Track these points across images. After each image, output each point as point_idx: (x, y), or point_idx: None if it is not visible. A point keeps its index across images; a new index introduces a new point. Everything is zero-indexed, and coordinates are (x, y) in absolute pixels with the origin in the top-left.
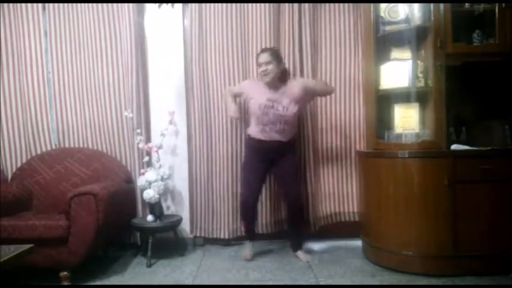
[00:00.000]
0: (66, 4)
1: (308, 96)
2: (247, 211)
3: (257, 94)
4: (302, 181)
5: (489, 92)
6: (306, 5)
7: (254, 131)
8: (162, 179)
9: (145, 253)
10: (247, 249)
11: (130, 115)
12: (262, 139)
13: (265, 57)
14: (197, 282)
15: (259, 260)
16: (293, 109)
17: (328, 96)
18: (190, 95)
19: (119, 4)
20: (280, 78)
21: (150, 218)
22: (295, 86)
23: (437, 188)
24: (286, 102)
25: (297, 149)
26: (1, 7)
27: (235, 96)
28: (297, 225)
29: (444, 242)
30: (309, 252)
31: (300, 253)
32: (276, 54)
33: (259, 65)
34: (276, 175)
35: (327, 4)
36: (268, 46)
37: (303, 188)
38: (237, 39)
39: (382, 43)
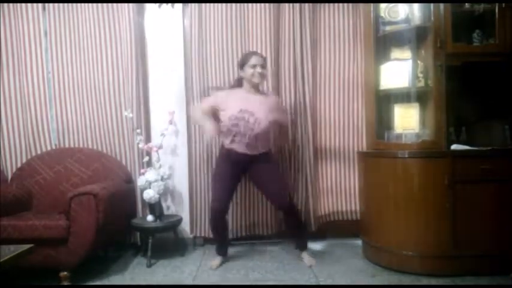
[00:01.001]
0: (66, 4)
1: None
2: (216, 222)
3: (231, 104)
4: (301, 181)
5: (489, 92)
6: (306, 5)
7: (224, 140)
8: (162, 179)
9: (145, 253)
10: (216, 261)
11: (130, 115)
12: (237, 152)
13: (260, 60)
14: (197, 282)
15: (259, 260)
16: (265, 123)
17: (326, 93)
18: (190, 95)
19: (119, 4)
20: (257, 88)
21: (150, 218)
22: (272, 99)
23: (437, 188)
24: (260, 114)
25: (275, 159)
26: (1, 7)
27: (207, 112)
28: (294, 226)
29: (444, 242)
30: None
31: (304, 255)
32: (266, 61)
33: (252, 66)
34: (254, 183)
35: (327, 4)
36: (256, 50)
37: (302, 188)
38: (237, 39)
39: (382, 43)
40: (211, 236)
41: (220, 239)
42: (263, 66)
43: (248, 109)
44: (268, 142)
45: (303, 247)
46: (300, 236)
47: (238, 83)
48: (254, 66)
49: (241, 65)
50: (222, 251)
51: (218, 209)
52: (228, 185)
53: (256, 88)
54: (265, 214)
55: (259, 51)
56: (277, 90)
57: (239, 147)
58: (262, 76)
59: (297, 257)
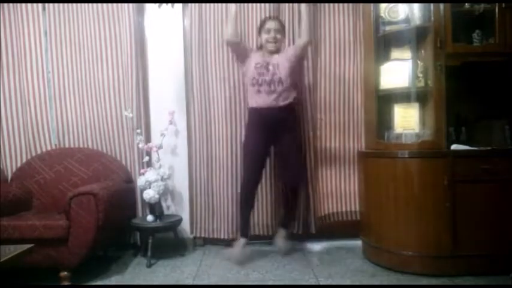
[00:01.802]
0: (66, 4)
1: (299, 58)
2: (247, 196)
3: (254, 57)
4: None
5: (489, 92)
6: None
7: (251, 97)
8: (162, 179)
9: (145, 253)
10: (238, 247)
11: (130, 115)
12: (258, 106)
13: (275, 24)
14: (197, 282)
15: (260, 260)
16: (286, 68)
17: (326, 93)
18: (190, 95)
19: (119, 4)
20: (277, 51)
21: (150, 218)
22: (288, 49)
23: (437, 188)
24: (281, 62)
25: (299, 121)
26: (1, 7)
27: (238, 43)
28: (293, 204)
29: (444, 242)
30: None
31: (281, 233)
32: (283, 25)
33: (267, 30)
34: (276, 154)
35: (327, 4)
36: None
37: (303, 188)
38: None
39: (382, 43)
40: (211, 236)
41: (247, 217)
42: (278, 30)
43: (268, 61)
44: (293, 93)
45: (285, 224)
46: (290, 214)
47: (261, 48)
48: (269, 31)
49: (259, 30)
50: (246, 231)
51: (250, 183)
52: (258, 158)
53: (275, 51)
54: (265, 215)
55: (263, 18)
56: None
57: (266, 98)
58: (277, 41)
59: (292, 257)
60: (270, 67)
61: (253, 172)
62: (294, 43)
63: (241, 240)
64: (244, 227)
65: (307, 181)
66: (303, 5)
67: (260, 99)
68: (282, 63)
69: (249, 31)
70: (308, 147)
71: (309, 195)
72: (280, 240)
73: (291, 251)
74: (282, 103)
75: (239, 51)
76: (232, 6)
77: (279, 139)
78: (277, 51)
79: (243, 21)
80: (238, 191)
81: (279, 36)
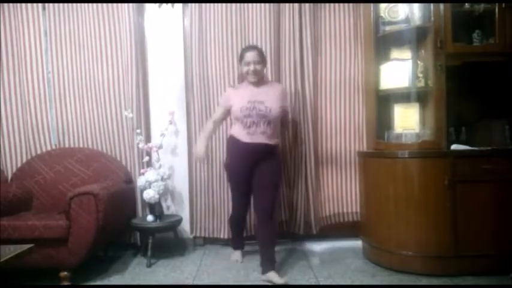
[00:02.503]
0: (66, 4)
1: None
2: (237, 221)
3: (239, 98)
4: (302, 182)
5: (489, 92)
6: (307, 5)
7: (238, 133)
8: (162, 179)
9: (145, 253)
10: (236, 255)
11: (130, 115)
12: (246, 141)
13: (254, 55)
14: (197, 282)
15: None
16: (276, 109)
17: (326, 93)
18: (190, 95)
19: (119, 4)
20: (261, 78)
21: (150, 218)
22: (278, 88)
23: (438, 188)
24: (269, 103)
25: (281, 158)
26: (1, 7)
27: (221, 119)
28: (268, 239)
29: (444, 242)
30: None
31: (271, 275)
32: (263, 54)
33: (246, 63)
34: (254, 181)
35: (327, 4)
36: (253, 44)
37: (303, 189)
38: (237, 39)
39: (382, 43)
40: (211, 236)
41: (240, 235)
42: (258, 62)
43: (257, 99)
44: (278, 132)
45: (271, 265)
46: (270, 251)
47: (243, 77)
48: (248, 64)
49: (240, 60)
50: (240, 245)
51: (238, 217)
52: (245, 190)
53: (259, 78)
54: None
55: (243, 47)
56: None
57: (255, 138)
58: (257, 73)
59: (261, 278)
60: (261, 107)
61: (241, 197)
62: (293, 43)
63: (237, 253)
64: (237, 243)
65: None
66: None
67: (249, 138)
68: (274, 108)
69: (249, 31)
70: (308, 147)
71: (309, 195)
72: (276, 279)
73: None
74: (270, 142)
75: (224, 118)
76: (210, 124)
77: (259, 168)
78: (259, 81)
79: (243, 21)
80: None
81: (258, 67)
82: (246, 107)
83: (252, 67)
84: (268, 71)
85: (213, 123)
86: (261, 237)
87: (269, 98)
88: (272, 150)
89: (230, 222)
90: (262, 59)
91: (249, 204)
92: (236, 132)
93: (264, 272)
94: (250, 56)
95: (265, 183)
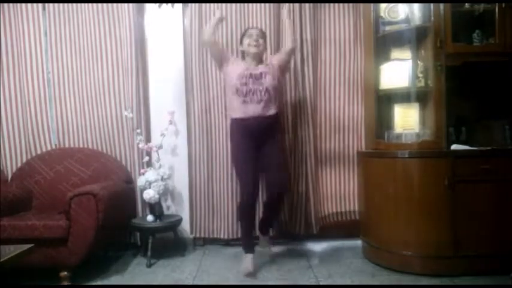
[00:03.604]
0: (66, 4)
1: (283, 65)
2: (248, 210)
3: (237, 67)
4: (302, 181)
5: (489, 92)
6: (306, 5)
7: (236, 108)
8: (162, 179)
9: (145, 253)
10: (248, 263)
11: (130, 115)
12: (245, 117)
13: (257, 31)
14: (197, 282)
15: (260, 260)
16: (272, 78)
17: (326, 93)
18: (190, 95)
19: (119, 4)
20: (259, 60)
21: (150, 218)
22: (272, 58)
23: (437, 188)
24: (264, 71)
25: (283, 130)
26: (1, 7)
27: (215, 43)
28: (274, 209)
29: (444, 242)
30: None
31: (263, 239)
32: (265, 35)
33: (248, 35)
34: (260, 161)
35: (327, 4)
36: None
37: (303, 189)
38: (237, 39)
39: (382, 43)
40: (211, 236)
41: (250, 232)
42: (261, 36)
43: (252, 71)
44: (277, 102)
45: (266, 231)
46: (272, 220)
47: (243, 56)
48: (250, 36)
49: (241, 39)
50: (251, 247)
51: (249, 201)
52: (251, 166)
53: (257, 60)
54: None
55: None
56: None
57: (252, 108)
58: (259, 45)
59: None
60: (257, 76)
61: (250, 185)
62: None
63: (248, 257)
64: (248, 243)
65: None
66: (285, 12)
67: (248, 109)
68: (267, 73)
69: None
70: (308, 147)
71: (309, 195)
72: (264, 244)
73: (278, 253)
74: (268, 113)
75: (217, 54)
76: (217, 11)
77: (263, 147)
78: (259, 56)
79: (243, 21)
80: (238, 190)
81: (261, 40)
82: (242, 75)
83: (254, 37)
84: (268, 45)
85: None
86: (269, 208)
87: (266, 70)
88: (272, 122)
89: (241, 212)
90: (264, 37)
91: (258, 186)
92: (233, 107)
93: (262, 233)
94: (253, 30)
95: (274, 162)
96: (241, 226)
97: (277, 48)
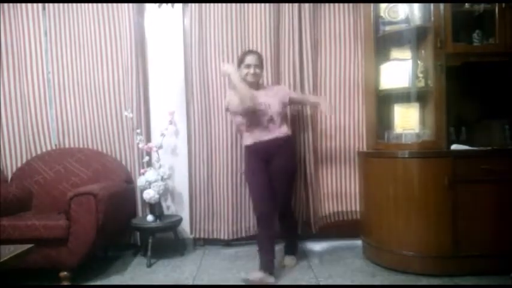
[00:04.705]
0: (66, 4)
1: (296, 103)
2: (268, 223)
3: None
4: (302, 181)
5: (489, 92)
6: (306, 5)
7: (247, 138)
8: (162, 179)
9: (145, 253)
10: (258, 275)
11: (131, 115)
12: (255, 141)
13: (254, 59)
14: (197, 282)
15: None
16: (277, 107)
17: (326, 93)
18: (190, 95)
19: (119, 4)
20: (256, 86)
21: (150, 218)
22: (280, 89)
23: (437, 188)
24: (268, 101)
25: (296, 151)
26: (1, 7)
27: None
28: (291, 229)
29: (444, 242)
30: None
31: (288, 258)
32: (262, 60)
33: (246, 66)
34: (270, 174)
35: (327, 4)
36: (254, 49)
37: (302, 189)
38: (237, 40)
39: (382, 43)
40: (211, 236)
41: (272, 252)
42: (258, 66)
43: (255, 100)
44: (285, 128)
45: (295, 251)
46: (294, 238)
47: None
48: (248, 66)
49: (238, 64)
50: (271, 261)
51: (266, 212)
52: (265, 184)
53: (255, 86)
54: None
55: (259, 51)
56: None
57: (259, 135)
58: (256, 76)
59: (282, 259)
60: (261, 107)
61: (266, 200)
62: (293, 43)
63: (270, 280)
64: (265, 263)
65: (308, 181)
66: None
67: (254, 138)
68: (273, 104)
69: (248, 31)
70: (308, 147)
71: (309, 195)
72: (290, 262)
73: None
74: (275, 136)
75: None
76: (230, 70)
77: (274, 164)
78: (256, 84)
79: (243, 21)
80: (238, 191)
81: (258, 71)
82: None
83: (252, 70)
84: (268, 71)
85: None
86: (286, 229)
87: (267, 97)
88: (281, 143)
89: (259, 235)
90: (261, 63)
91: (275, 203)
92: (245, 138)
93: (288, 253)
94: (250, 59)
95: (279, 179)
96: (263, 248)
97: (277, 50)
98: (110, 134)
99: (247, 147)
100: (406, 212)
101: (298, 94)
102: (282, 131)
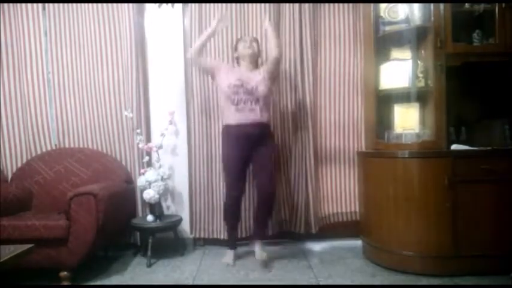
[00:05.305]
0: (66, 4)
1: (271, 74)
2: (232, 211)
3: (228, 75)
4: (302, 181)
5: (489, 92)
6: (306, 5)
7: (228, 115)
8: (162, 179)
9: (145, 253)
10: (228, 257)
11: (131, 115)
12: (238, 123)
13: (250, 37)
14: (197, 282)
15: (259, 260)
16: (263, 87)
17: (326, 93)
18: (190, 95)
19: (119, 4)
20: (255, 64)
21: (150, 218)
22: (263, 68)
23: (438, 188)
24: (255, 81)
25: (274, 137)
26: (1, 7)
27: (204, 65)
28: (264, 214)
29: (444, 242)
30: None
31: (257, 246)
32: (258, 42)
33: (243, 41)
34: (252, 164)
35: (327, 4)
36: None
37: (303, 189)
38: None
39: (382, 43)
40: (211, 236)
41: (234, 230)
42: (254, 41)
43: (245, 79)
44: (269, 111)
45: (261, 236)
46: (264, 225)
47: (237, 62)
48: (245, 41)
49: (235, 47)
50: (234, 244)
51: (233, 201)
52: (239, 168)
53: (253, 64)
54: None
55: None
56: (277, 90)
57: (244, 116)
58: (254, 55)
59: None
60: (248, 86)
61: (236, 189)
62: (293, 43)
63: (229, 254)
64: (232, 239)
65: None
66: (266, 21)
67: (241, 117)
68: (259, 83)
69: (249, 31)
70: (308, 147)
71: (309, 195)
72: (258, 252)
73: (271, 261)
74: (260, 120)
75: (207, 68)
76: (213, 22)
77: (254, 152)
78: (255, 60)
79: (243, 21)
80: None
81: (254, 44)
82: (233, 84)
83: (248, 43)
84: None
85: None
86: (260, 214)
87: (257, 78)
88: (264, 130)
89: (225, 211)
90: (256, 43)
91: (244, 190)
92: (226, 115)
93: (253, 239)
94: (247, 39)
95: (265, 163)
96: (226, 225)
97: None
98: (110, 134)
99: (228, 127)
100: (406, 212)
101: (266, 63)
102: (267, 115)
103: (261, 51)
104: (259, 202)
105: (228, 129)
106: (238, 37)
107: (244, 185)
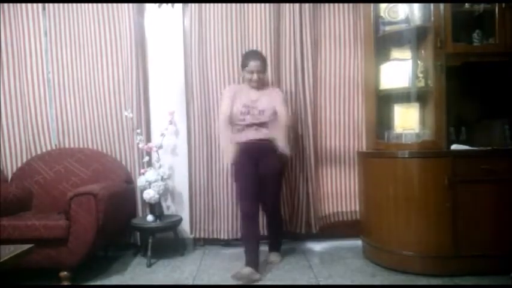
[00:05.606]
0: (66, 4)
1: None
2: (248, 225)
3: (237, 100)
4: (302, 181)
5: (489, 92)
6: (306, 5)
7: (235, 135)
8: (162, 179)
9: (145, 253)
10: (246, 276)
11: (131, 115)
12: (243, 141)
13: (258, 65)
14: (197, 282)
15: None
16: (269, 113)
17: (326, 93)
18: (190, 95)
19: (119, 4)
20: (262, 82)
21: (150, 218)
22: (276, 94)
23: (437, 188)
24: (262, 106)
25: (282, 155)
26: (1, 7)
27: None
28: (273, 229)
29: (444, 242)
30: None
31: (273, 255)
32: (266, 63)
33: (249, 71)
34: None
35: (327, 4)
36: (257, 50)
37: (303, 188)
38: (237, 40)
39: (382, 43)
40: (211, 236)
41: (255, 249)
42: (261, 71)
43: (251, 104)
44: (275, 125)
45: (276, 248)
46: (276, 238)
47: (243, 80)
48: (251, 72)
49: (242, 66)
50: (255, 263)
51: (249, 209)
52: (251, 182)
53: (260, 83)
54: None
55: (247, 52)
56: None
57: (250, 135)
58: (260, 81)
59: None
60: (255, 112)
61: (252, 200)
62: (293, 43)
63: (248, 270)
64: (251, 259)
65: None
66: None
67: (244, 137)
68: (266, 107)
69: (249, 31)
70: (308, 147)
71: (309, 195)
72: (274, 259)
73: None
74: (265, 137)
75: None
76: (226, 126)
77: (262, 163)
78: (261, 82)
79: (243, 21)
80: (238, 191)
81: (261, 76)
82: (240, 111)
83: (255, 76)
84: (268, 72)
85: (226, 122)
86: (272, 229)
87: (263, 102)
88: (270, 145)
89: (244, 220)
90: (264, 68)
91: (259, 201)
92: (233, 135)
93: (270, 250)
94: (254, 65)
95: (266, 182)
96: (245, 245)
97: (278, 50)
98: (110, 134)
99: (238, 143)
100: (406, 212)
101: (283, 111)
102: (273, 133)
103: (267, 70)
104: (266, 218)
105: (236, 146)
106: (247, 52)
107: (258, 199)
